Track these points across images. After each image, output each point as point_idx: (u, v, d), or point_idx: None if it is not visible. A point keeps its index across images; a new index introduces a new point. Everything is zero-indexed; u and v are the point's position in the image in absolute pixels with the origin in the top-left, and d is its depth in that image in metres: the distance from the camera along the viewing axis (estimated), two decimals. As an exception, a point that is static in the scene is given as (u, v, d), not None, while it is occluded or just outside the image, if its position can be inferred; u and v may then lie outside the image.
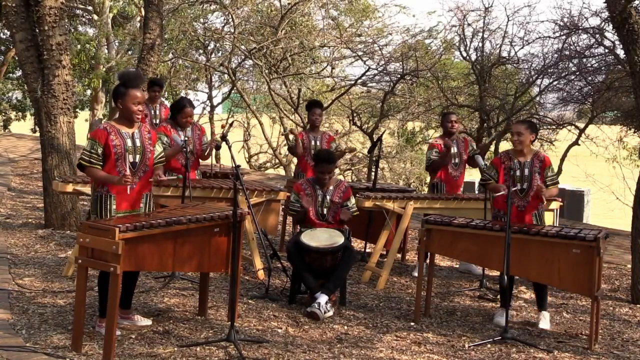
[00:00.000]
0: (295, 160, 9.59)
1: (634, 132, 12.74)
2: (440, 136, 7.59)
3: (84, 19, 20.77)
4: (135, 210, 5.05)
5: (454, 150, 7.35)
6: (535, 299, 6.02)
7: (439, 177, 7.38)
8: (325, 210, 6.30)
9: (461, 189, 7.63)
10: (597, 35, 11.63)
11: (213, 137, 6.00)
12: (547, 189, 5.82)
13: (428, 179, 8.13)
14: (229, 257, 5.15)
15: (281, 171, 18.80)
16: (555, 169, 5.83)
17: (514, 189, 5.66)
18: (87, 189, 6.41)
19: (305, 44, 15.87)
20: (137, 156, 4.99)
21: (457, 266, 7.80)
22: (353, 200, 6.45)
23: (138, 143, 5.00)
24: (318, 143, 7.79)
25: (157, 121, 8.58)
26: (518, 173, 5.84)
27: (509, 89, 13.44)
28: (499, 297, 6.53)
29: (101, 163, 4.90)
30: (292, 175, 8.56)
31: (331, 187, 6.35)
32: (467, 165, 7.60)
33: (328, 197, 6.31)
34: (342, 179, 7.10)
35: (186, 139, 6.54)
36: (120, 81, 5.02)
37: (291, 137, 7.93)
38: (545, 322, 5.84)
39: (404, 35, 15.77)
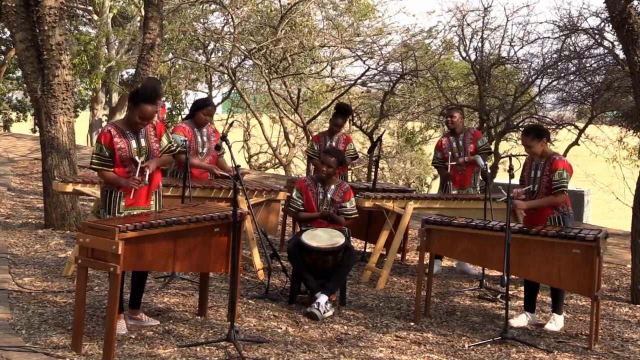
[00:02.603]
0: (293, 160, 9.67)
1: (634, 132, 12.74)
2: (445, 134, 7.76)
3: (84, 19, 20.78)
4: (146, 208, 5.10)
5: (454, 145, 7.44)
6: (551, 301, 6.00)
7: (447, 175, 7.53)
8: (324, 209, 6.31)
9: (472, 179, 7.58)
10: (597, 36, 11.63)
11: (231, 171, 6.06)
12: (522, 201, 5.79)
13: (428, 179, 8.19)
14: (229, 257, 5.15)
15: (281, 171, 18.81)
16: (564, 174, 5.73)
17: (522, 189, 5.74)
18: (87, 189, 6.41)
19: (305, 44, 15.87)
20: (144, 156, 5.02)
21: (455, 265, 7.80)
22: (353, 202, 6.45)
23: (143, 143, 5.04)
24: (334, 145, 7.78)
25: (156, 120, 8.60)
26: (532, 174, 5.86)
27: (509, 89, 13.45)
28: (499, 297, 6.53)
29: (111, 164, 4.98)
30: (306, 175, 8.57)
31: (332, 186, 6.37)
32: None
33: (329, 196, 6.33)
34: (344, 181, 7.12)
35: (186, 139, 6.55)
36: (141, 92, 4.99)
37: None
38: (554, 325, 5.79)
39: (404, 36, 15.79)
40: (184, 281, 6.40)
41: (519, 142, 15.40)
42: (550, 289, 6.02)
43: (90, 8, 18.80)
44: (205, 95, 20.08)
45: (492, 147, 13.32)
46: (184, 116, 12.22)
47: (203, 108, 6.79)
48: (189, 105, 7.36)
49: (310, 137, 8.13)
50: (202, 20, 17.71)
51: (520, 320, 5.82)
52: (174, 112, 19.49)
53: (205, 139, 6.80)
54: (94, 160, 5.00)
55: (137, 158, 4.98)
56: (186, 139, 6.55)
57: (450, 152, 7.40)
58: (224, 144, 5.47)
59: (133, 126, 5.03)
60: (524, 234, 5.47)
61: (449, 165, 7.39)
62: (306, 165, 8.59)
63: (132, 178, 4.96)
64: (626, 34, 6.61)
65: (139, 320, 5.22)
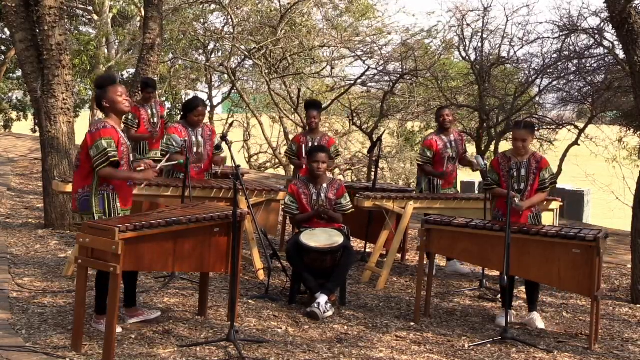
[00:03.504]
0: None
1: (634, 132, 12.74)
2: (435, 132, 7.63)
3: (84, 19, 20.78)
4: (129, 209, 5.11)
5: (449, 146, 7.41)
6: (527, 299, 6.01)
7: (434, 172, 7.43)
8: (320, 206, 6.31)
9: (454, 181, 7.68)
10: (597, 36, 11.64)
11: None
12: (523, 200, 5.79)
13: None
14: (229, 257, 5.15)
15: (281, 171, 18.80)
16: (555, 169, 5.82)
17: (513, 194, 5.66)
18: (87, 189, 6.41)
19: (305, 44, 15.88)
20: (131, 154, 5.05)
21: (444, 266, 7.77)
22: (347, 197, 6.46)
23: (129, 141, 5.06)
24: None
25: (156, 120, 8.62)
26: (515, 173, 5.86)
27: (509, 89, 13.45)
28: (499, 297, 6.53)
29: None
30: (292, 175, 8.55)
31: (325, 185, 6.37)
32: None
33: (323, 195, 6.32)
34: (335, 177, 7.12)
35: (185, 139, 6.55)
36: (96, 87, 5.00)
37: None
38: (539, 321, 5.82)
39: (404, 35, 15.80)
40: (184, 281, 6.40)
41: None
42: (525, 287, 6.02)
43: (90, 8, 18.80)
44: (205, 96, 20.11)
45: (492, 147, 13.34)
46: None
47: (193, 110, 6.73)
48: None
49: (291, 138, 8.12)
50: (202, 20, 17.73)
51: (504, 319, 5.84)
52: (173, 112, 19.48)
53: (200, 138, 6.78)
54: (110, 157, 4.75)
55: (131, 156, 5.00)
56: (186, 138, 6.55)
57: (446, 153, 7.40)
58: (224, 143, 5.47)
59: (120, 114, 4.96)
60: (524, 234, 5.47)
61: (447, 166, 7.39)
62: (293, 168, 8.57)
63: (149, 167, 5.04)
64: (626, 34, 6.61)
65: (140, 316, 5.21)
